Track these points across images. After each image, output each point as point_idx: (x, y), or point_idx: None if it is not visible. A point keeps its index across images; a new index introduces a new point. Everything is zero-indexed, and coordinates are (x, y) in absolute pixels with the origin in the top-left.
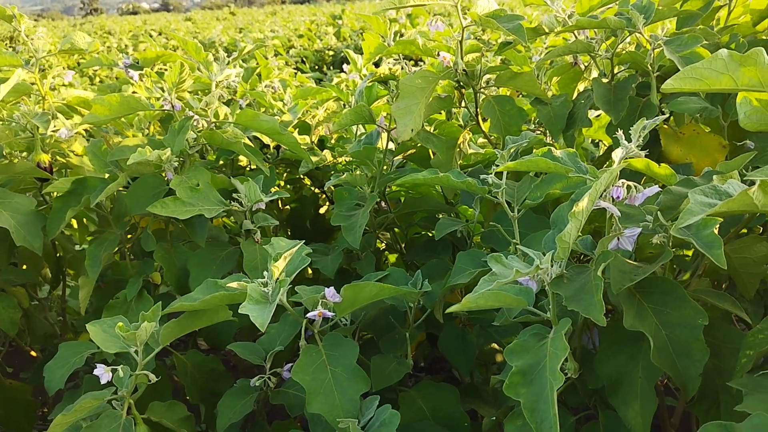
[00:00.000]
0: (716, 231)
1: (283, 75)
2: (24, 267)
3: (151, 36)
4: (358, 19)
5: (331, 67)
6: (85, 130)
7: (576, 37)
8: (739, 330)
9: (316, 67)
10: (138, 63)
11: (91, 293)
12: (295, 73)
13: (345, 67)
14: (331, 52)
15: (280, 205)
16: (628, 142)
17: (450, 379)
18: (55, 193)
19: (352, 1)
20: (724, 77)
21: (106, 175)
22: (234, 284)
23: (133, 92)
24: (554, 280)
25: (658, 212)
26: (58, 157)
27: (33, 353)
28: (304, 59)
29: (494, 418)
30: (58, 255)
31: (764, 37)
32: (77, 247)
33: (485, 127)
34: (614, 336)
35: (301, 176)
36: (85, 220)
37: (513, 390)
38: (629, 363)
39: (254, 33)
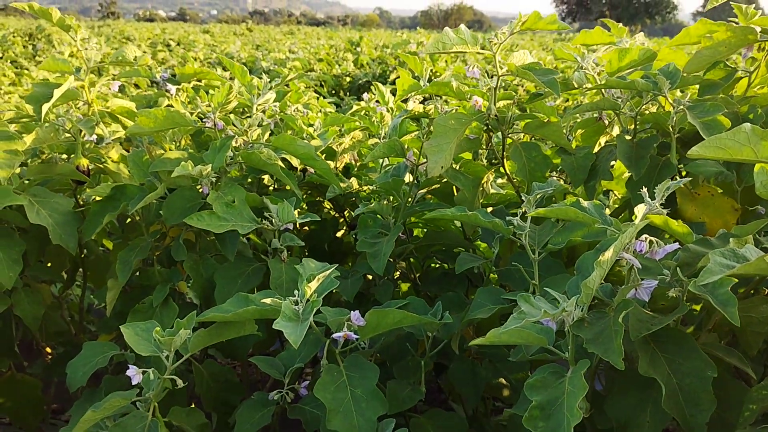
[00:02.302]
0: (731, 291)
1: (307, 99)
2: (48, 265)
3: (169, 46)
4: (376, 47)
5: (348, 93)
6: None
7: (604, 95)
8: (745, 386)
9: (334, 91)
10: (175, 77)
11: (117, 296)
12: (317, 98)
13: (365, 96)
14: (348, 79)
15: (298, 226)
16: (651, 200)
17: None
18: (95, 197)
19: (368, 28)
20: (746, 149)
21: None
22: (268, 300)
23: (168, 105)
24: (576, 323)
25: (677, 268)
26: (95, 163)
27: (45, 350)
28: (323, 83)
29: None
30: (82, 256)
31: None
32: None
33: (509, 169)
34: (625, 381)
35: (322, 200)
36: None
37: (532, 423)
38: (638, 407)
39: (273, 52)
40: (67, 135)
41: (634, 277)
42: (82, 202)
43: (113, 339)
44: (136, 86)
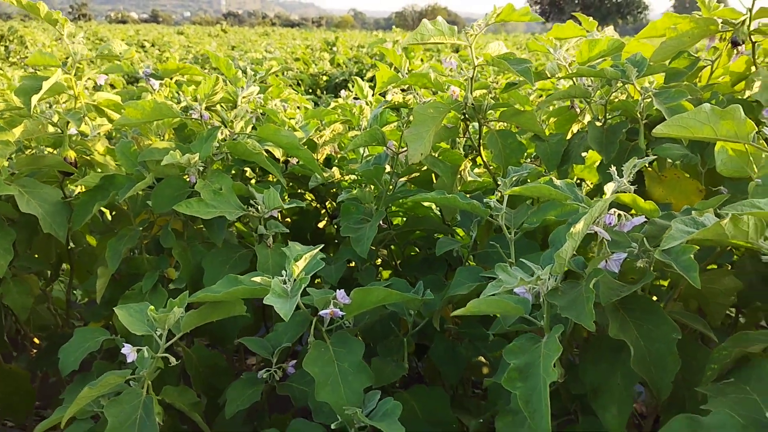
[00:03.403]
0: (694, 258)
1: (288, 95)
2: (36, 256)
3: (143, 47)
4: (351, 47)
5: (325, 92)
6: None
7: (575, 83)
8: (707, 349)
9: (311, 90)
10: (158, 72)
11: (107, 283)
12: (297, 94)
13: (342, 93)
14: (325, 77)
15: (280, 218)
16: (620, 178)
17: None
18: (83, 187)
19: (342, 29)
20: (706, 127)
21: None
22: (257, 279)
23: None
24: (550, 292)
25: (644, 239)
26: (82, 155)
27: (33, 341)
28: (300, 82)
29: (481, 420)
30: (69, 247)
31: (741, 97)
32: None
33: (486, 157)
34: (597, 348)
35: (304, 191)
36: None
37: (511, 384)
38: (609, 371)
39: (249, 52)
40: (54, 128)
41: (605, 250)
42: (67, 196)
43: (103, 327)
44: (112, 86)
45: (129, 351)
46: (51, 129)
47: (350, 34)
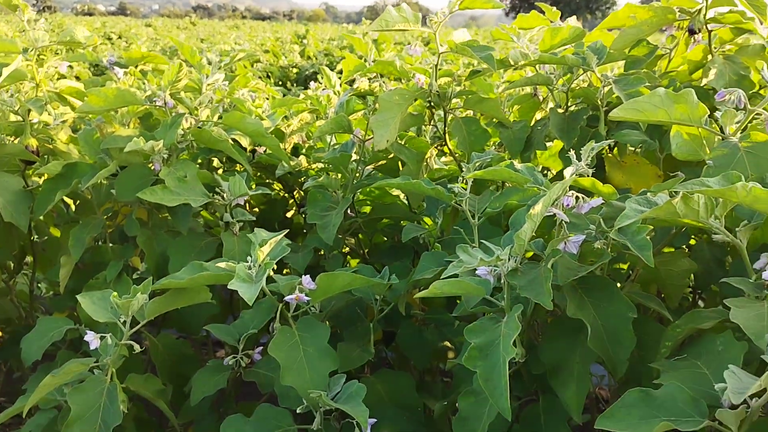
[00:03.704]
0: (648, 238)
1: (256, 85)
2: None
3: (110, 39)
4: (322, 40)
5: (295, 84)
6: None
7: (538, 71)
8: (662, 327)
9: (281, 82)
10: (122, 61)
11: (70, 273)
12: (265, 84)
13: (311, 84)
14: (295, 70)
15: (249, 207)
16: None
17: None
18: (46, 175)
19: (314, 22)
20: (661, 111)
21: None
22: (222, 264)
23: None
24: (510, 272)
25: (600, 220)
26: (45, 143)
27: None
28: (269, 74)
29: (445, 403)
30: (32, 239)
31: (698, 84)
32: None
33: (451, 144)
34: (556, 329)
35: (272, 181)
36: (52, 210)
37: (471, 362)
38: (568, 350)
39: (218, 44)
40: (16, 116)
41: (564, 232)
42: (29, 185)
43: (67, 317)
44: (77, 78)
45: (92, 338)
46: (12, 117)
47: (321, 27)
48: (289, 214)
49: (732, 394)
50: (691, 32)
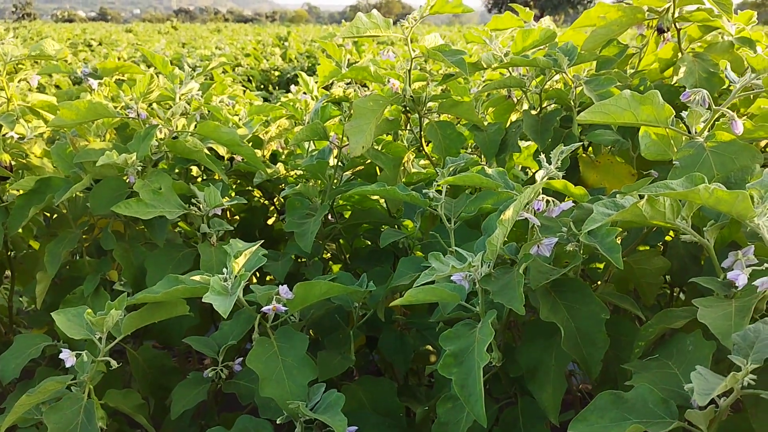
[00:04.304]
0: (618, 241)
1: (233, 92)
2: None
3: (90, 46)
4: (304, 42)
5: (277, 87)
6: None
7: (510, 73)
8: (637, 327)
9: (262, 86)
10: (97, 72)
11: (47, 288)
12: (244, 91)
13: (293, 88)
14: (277, 73)
15: (229, 216)
16: (549, 165)
17: None
18: (20, 191)
19: (296, 24)
20: (627, 113)
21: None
22: (197, 278)
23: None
24: (483, 278)
25: (571, 223)
26: (18, 158)
27: None
28: (251, 78)
29: (426, 408)
30: (9, 254)
31: (669, 83)
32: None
33: (428, 149)
34: (532, 332)
35: (251, 188)
36: (31, 223)
37: (446, 369)
38: (544, 353)
39: (199, 49)
40: None
41: (536, 236)
42: (3, 200)
43: (45, 332)
44: (57, 87)
45: (68, 356)
46: None
47: (303, 29)
48: (270, 222)
49: (698, 395)
50: (660, 31)
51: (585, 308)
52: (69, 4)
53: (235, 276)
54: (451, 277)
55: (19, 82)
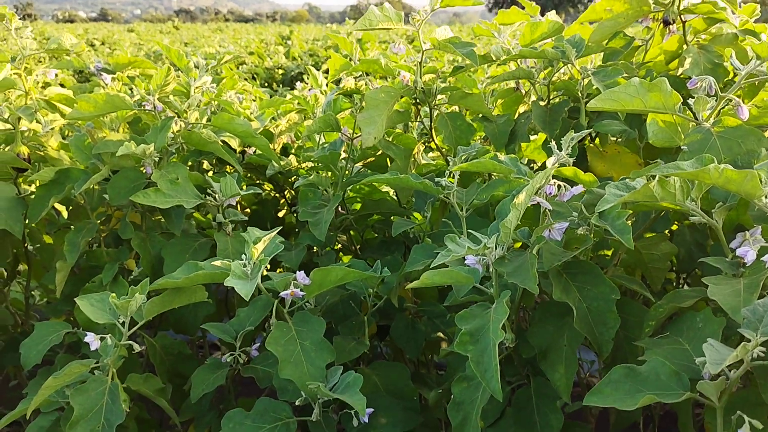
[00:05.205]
0: (629, 223)
1: (243, 86)
2: None
3: (93, 45)
4: (306, 41)
5: (281, 85)
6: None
7: (519, 65)
8: (646, 308)
9: (267, 83)
10: (110, 67)
11: (66, 277)
12: (252, 86)
13: (298, 85)
14: (281, 71)
15: (239, 209)
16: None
17: None
18: (38, 182)
19: (297, 23)
20: (636, 100)
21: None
22: (217, 263)
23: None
24: (497, 260)
25: (582, 207)
26: (36, 150)
27: None
28: (255, 75)
29: (440, 390)
30: (26, 246)
31: (675, 74)
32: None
33: (438, 140)
34: (544, 313)
35: (262, 181)
36: (45, 217)
37: (462, 347)
38: (556, 333)
39: (203, 48)
40: (5, 124)
41: (548, 220)
42: (20, 192)
43: (63, 321)
44: (61, 86)
45: (92, 339)
46: (2, 125)
47: (305, 28)
48: (280, 214)
49: (710, 364)
50: (666, 23)
51: (596, 289)
52: (70, 5)
53: (255, 262)
54: (465, 261)
55: (36, 76)
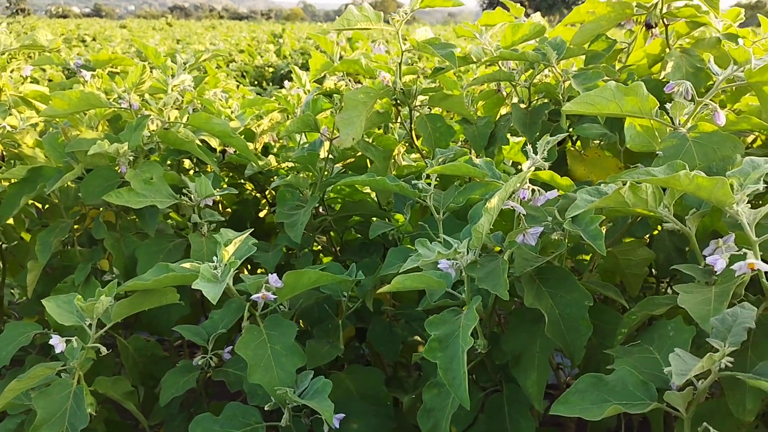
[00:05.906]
0: (603, 230)
1: (227, 86)
2: None
3: (84, 41)
4: (299, 39)
5: (271, 83)
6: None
7: (500, 67)
8: (621, 315)
9: (256, 82)
10: (90, 64)
11: (38, 278)
12: (238, 86)
13: (286, 83)
14: (271, 69)
15: (221, 208)
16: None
17: None
18: (11, 180)
19: (292, 21)
20: (612, 104)
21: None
22: (187, 265)
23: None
24: (469, 265)
25: (557, 212)
26: (10, 148)
27: None
28: (245, 74)
29: (413, 396)
30: (1, 245)
31: (657, 78)
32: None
33: (418, 142)
34: (517, 320)
35: (243, 180)
36: (23, 215)
37: (431, 353)
38: (529, 340)
39: (194, 45)
40: None
41: (522, 225)
42: None
43: (36, 321)
44: (50, 81)
45: (57, 342)
46: None
47: (298, 26)
48: (261, 214)
49: (675, 375)
50: (648, 26)
51: (569, 295)
52: (63, 0)
53: (225, 264)
54: (438, 265)
55: (11, 72)
